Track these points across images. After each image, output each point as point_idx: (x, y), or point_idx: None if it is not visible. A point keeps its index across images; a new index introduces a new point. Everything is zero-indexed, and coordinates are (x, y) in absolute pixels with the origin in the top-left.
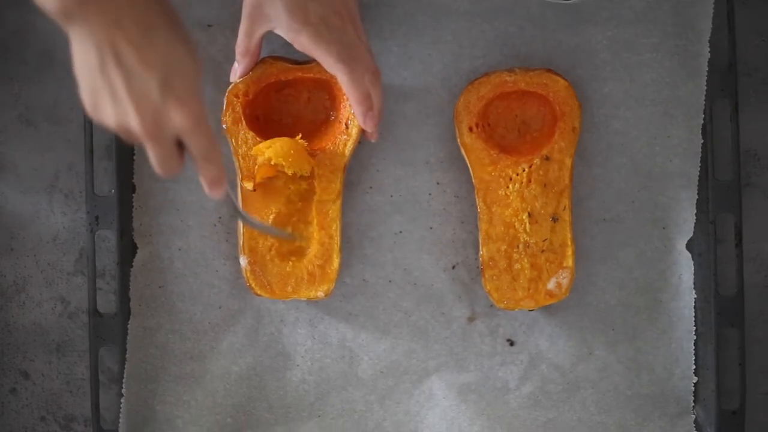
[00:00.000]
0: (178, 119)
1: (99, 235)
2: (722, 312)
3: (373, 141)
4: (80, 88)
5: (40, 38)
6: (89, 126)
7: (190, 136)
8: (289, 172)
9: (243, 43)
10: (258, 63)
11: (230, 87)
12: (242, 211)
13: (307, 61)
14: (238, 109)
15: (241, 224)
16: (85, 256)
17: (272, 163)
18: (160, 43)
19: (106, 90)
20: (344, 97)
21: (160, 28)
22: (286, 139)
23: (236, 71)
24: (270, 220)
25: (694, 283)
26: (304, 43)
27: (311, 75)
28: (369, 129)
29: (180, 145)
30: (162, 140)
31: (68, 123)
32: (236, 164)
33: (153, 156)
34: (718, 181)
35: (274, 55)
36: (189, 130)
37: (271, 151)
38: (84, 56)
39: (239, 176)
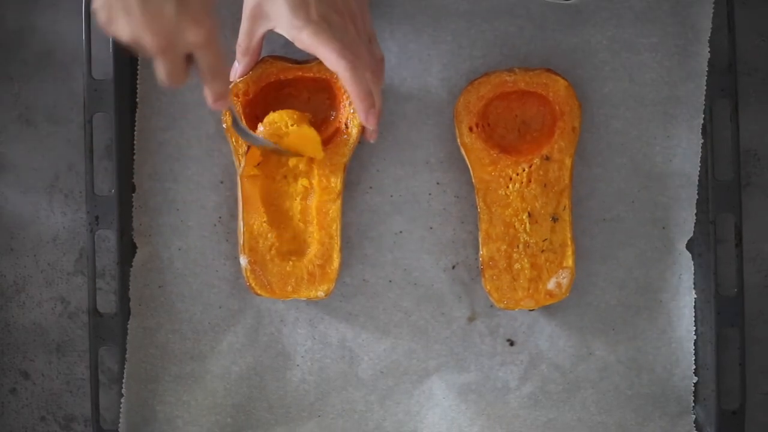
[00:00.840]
0: (191, 36)
1: (99, 235)
2: (722, 312)
3: (372, 141)
4: (95, 2)
5: (40, 38)
6: (89, 126)
7: (201, 52)
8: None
9: (244, 43)
10: (258, 62)
11: (230, 86)
12: (243, 125)
13: (307, 61)
14: (238, 108)
15: (241, 224)
16: (85, 256)
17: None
18: None
19: (120, 5)
20: (344, 96)
21: None
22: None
23: (237, 70)
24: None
25: (694, 283)
26: (305, 41)
27: (311, 74)
28: (371, 126)
29: (188, 58)
30: (173, 55)
31: (68, 123)
32: (236, 163)
33: (162, 69)
34: (718, 181)
35: (274, 54)
36: (201, 46)
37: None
38: None
39: (239, 174)
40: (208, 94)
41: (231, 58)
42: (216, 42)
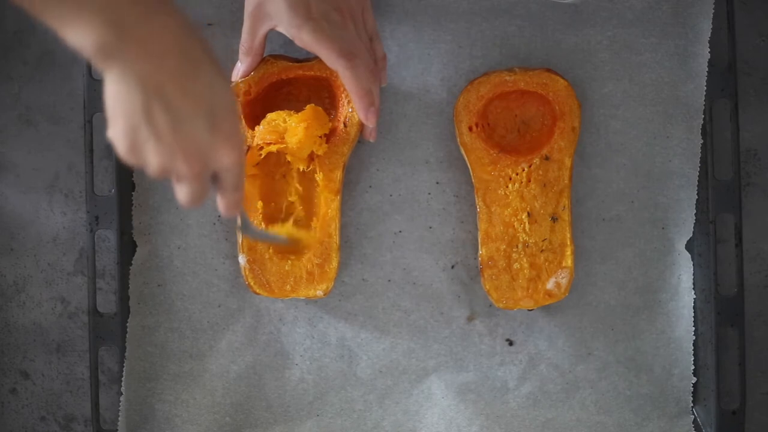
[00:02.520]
0: (225, 157)
1: (99, 234)
2: (722, 312)
3: (371, 140)
4: (114, 130)
5: (40, 38)
6: (89, 126)
7: (232, 171)
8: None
9: (246, 42)
10: (259, 62)
11: (232, 86)
12: (251, 225)
13: (307, 59)
14: (239, 108)
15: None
16: (85, 256)
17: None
18: (204, 79)
19: (149, 132)
20: (343, 95)
21: (204, 62)
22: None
23: (239, 70)
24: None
25: (694, 283)
26: (305, 39)
27: (312, 73)
28: (371, 124)
29: (212, 177)
30: (204, 178)
31: (68, 123)
32: None
33: (188, 192)
34: (718, 181)
35: (274, 53)
36: (234, 166)
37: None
38: (124, 97)
39: None
40: (223, 205)
41: (232, 58)
42: (244, 159)
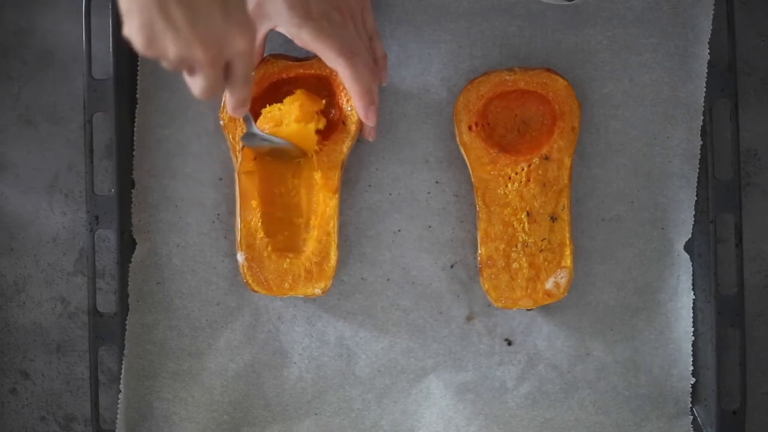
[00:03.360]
0: (239, 43)
1: (99, 234)
2: (722, 312)
3: (371, 140)
4: (130, 26)
5: (40, 38)
6: (89, 126)
7: (242, 59)
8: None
9: None
10: (259, 62)
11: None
12: (256, 127)
13: (307, 58)
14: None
15: (239, 220)
16: (85, 256)
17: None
18: None
19: (165, 24)
20: (342, 94)
21: None
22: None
23: None
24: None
25: (694, 284)
26: (305, 38)
27: (311, 71)
28: (371, 123)
29: (225, 68)
30: (219, 66)
31: (68, 123)
32: (234, 160)
33: (202, 83)
34: (718, 181)
35: (274, 53)
36: (246, 52)
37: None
38: None
39: (236, 170)
40: (232, 101)
41: None
42: (254, 46)
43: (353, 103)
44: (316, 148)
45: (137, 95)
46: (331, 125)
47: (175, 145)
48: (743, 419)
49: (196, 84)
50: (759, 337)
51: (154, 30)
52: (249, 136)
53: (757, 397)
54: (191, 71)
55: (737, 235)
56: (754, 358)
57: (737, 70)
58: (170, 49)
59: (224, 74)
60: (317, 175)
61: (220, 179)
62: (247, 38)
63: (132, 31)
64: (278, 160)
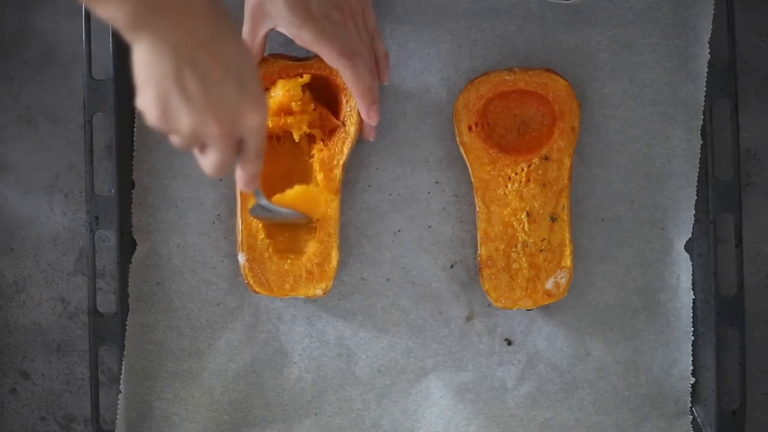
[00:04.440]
0: (252, 118)
1: (99, 234)
2: (722, 312)
3: (371, 140)
4: (144, 98)
5: (40, 38)
6: (89, 126)
7: (258, 134)
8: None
9: (247, 43)
10: (259, 62)
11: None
12: (267, 202)
13: (307, 58)
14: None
15: (240, 221)
16: (85, 256)
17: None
18: (231, 43)
19: (181, 97)
20: (342, 94)
21: (229, 28)
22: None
23: None
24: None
25: (694, 284)
26: (306, 38)
27: (312, 71)
28: (373, 122)
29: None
30: (232, 141)
31: (68, 123)
32: None
33: (216, 158)
34: (718, 181)
35: (274, 53)
36: (260, 128)
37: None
38: (155, 65)
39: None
40: (243, 176)
41: None
42: (267, 123)
43: (355, 103)
44: (325, 211)
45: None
46: (332, 127)
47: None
48: (743, 419)
49: (207, 160)
50: (759, 337)
51: (169, 103)
52: (258, 209)
53: (756, 397)
54: (203, 148)
55: (737, 235)
56: (754, 358)
57: (737, 70)
58: (184, 122)
59: (236, 150)
60: (318, 177)
61: (220, 179)
62: (260, 114)
63: (146, 103)
64: (286, 227)
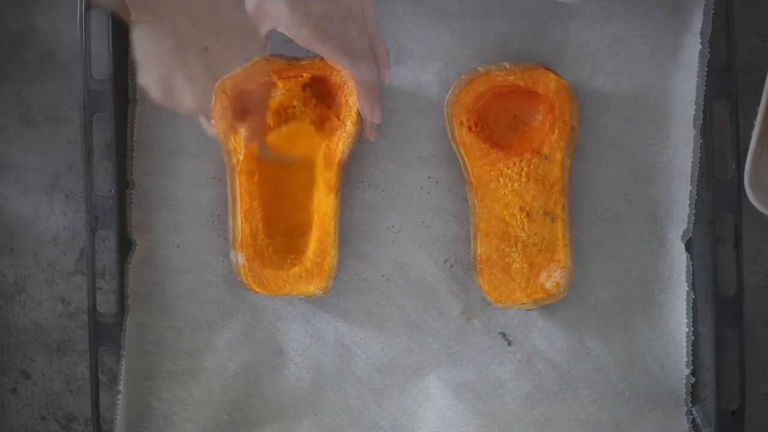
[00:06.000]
0: (254, 91)
1: (99, 235)
2: (722, 312)
3: (372, 139)
4: (147, 77)
5: (40, 38)
6: (89, 126)
7: (261, 103)
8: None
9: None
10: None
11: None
12: (268, 149)
13: (307, 57)
14: (226, 104)
15: (235, 220)
16: (85, 256)
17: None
18: (233, 22)
19: (183, 76)
20: (342, 94)
21: (229, 5)
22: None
23: None
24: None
25: (694, 284)
26: (306, 38)
27: (312, 71)
28: (376, 121)
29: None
30: (236, 110)
31: (68, 123)
32: (225, 159)
33: (219, 126)
34: (718, 181)
35: (275, 53)
36: (262, 97)
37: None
38: (158, 45)
39: (229, 170)
40: (247, 133)
41: None
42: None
43: (357, 102)
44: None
45: (135, 95)
46: (332, 125)
47: (170, 144)
48: (742, 419)
49: (211, 127)
50: (758, 337)
51: (172, 83)
52: (263, 150)
53: (756, 397)
54: (207, 117)
55: (736, 235)
56: (754, 358)
57: (737, 70)
58: (187, 100)
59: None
60: (317, 175)
61: (214, 178)
62: (260, 88)
63: (149, 83)
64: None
